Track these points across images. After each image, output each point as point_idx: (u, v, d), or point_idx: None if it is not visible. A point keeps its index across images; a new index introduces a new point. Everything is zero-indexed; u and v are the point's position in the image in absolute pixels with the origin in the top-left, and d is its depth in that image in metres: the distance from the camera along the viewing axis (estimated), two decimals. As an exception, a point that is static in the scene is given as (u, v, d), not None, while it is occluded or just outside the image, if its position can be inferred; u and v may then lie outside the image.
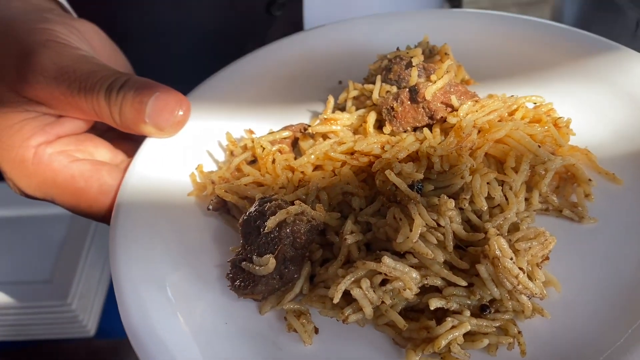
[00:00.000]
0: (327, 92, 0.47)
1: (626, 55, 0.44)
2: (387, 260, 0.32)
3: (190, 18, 0.68)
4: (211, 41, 0.69)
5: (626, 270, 0.35)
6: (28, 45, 0.42)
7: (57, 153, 0.43)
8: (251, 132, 0.46)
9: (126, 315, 0.35)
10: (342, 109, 0.46)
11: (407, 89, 0.40)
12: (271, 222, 0.35)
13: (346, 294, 0.34)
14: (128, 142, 0.47)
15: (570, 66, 0.46)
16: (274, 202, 0.36)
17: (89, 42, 0.46)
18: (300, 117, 0.48)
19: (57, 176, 0.43)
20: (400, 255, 0.34)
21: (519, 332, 0.33)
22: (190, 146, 0.45)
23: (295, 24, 0.64)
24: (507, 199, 0.37)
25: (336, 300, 0.33)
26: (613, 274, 0.35)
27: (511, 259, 0.32)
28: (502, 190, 0.37)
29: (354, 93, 0.45)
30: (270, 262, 0.34)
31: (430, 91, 0.39)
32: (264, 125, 0.46)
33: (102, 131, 0.47)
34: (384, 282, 0.33)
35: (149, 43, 0.70)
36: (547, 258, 0.35)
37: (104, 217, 0.43)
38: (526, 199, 0.38)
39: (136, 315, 0.34)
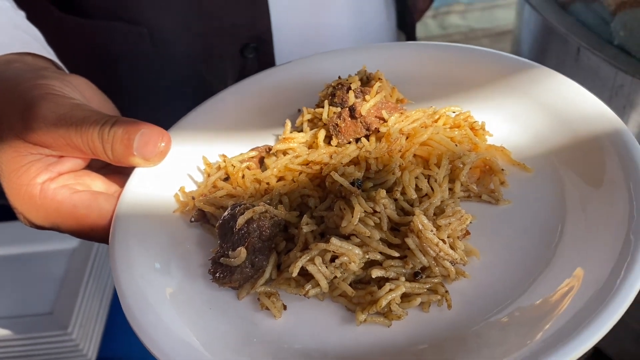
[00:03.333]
0: (289, 119, 0.55)
1: (542, 72, 0.53)
2: (335, 240, 0.40)
3: (170, 63, 0.76)
4: (190, 83, 0.77)
5: (532, 239, 0.43)
6: (30, 99, 0.49)
7: (60, 187, 0.50)
8: (224, 156, 0.54)
9: (125, 305, 0.42)
10: (300, 130, 0.54)
11: (347, 108, 0.49)
12: (241, 220, 0.43)
13: (306, 275, 0.42)
14: (119, 176, 0.54)
15: (495, 83, 0.54)
16: (243, 205, 0.44)
17: (82, 92, 0.53)
18: (266, 140, 0.56)
19: (61, 206, 0.49)
20: (346, 238, 0.42)
21: (446, 292, 0.41)
22: (173, 172, 0.53)
23: (267, 65, 0.70)
24: (433, 189, 0.45)
25: (294, 274, 0.41)
26: (522, 242, 0.43)
27: (432, 231, 0.40)
28: (428, 182, 0.45)
29: (307, 117, 0.54)
30: (242, 253, 0.42)
31: (365, 108, 0.48)
32: (235, 149, 0.54)
33: (97, 168, 0.54)
34: (333, 260, 0.41)
35: (133, 90, 0.78)
36: (468, 233, 0.44)
37: (104, 237, 0.50)
38: (450, 189, 0.46)
39: (132, 302, 0.42)
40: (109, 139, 0.48)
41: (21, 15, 0.61)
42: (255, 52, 0.73)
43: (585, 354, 0.34)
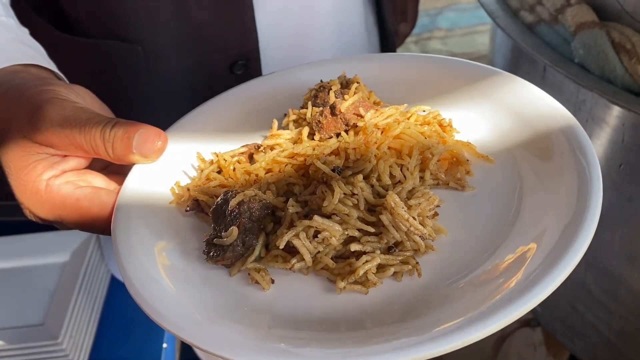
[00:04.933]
0: (277, 121, 0.60)
1: (504, 77, 0.59)
2: (317, 217, 0.45)
3: (163, 78, 0.81)
4: (181, 98, 0.82)
5: (493, 219, 0.48)
6: (38, 102, 0.53)
7: (64, 183, 0.54)
8: (217, 154, 0.59)
9: (129, 283, 0.46)
10: (287, 129, 0.60)
11: (329, 107, 0.54)
12: (233, 202, 0.47)
13: (292, 252, 0.47)
14: (118, 176, 0.58)
15: (462, 88, 0.60)
16: (234, 191, 0.49)
17: (84, 99, 0.57)
18: (254, 140, 0.61)
19: (65, 200, 0.53)
20: (327, 217, 0.47)
21: (417, 263, 0.45)
22: (169, 168, 0.57)
23: None
24: (405, 177, 0.51)
25: (281, 246, 0.45)
26: (485, 222, 0.48)
27: (403, 208, 0.45)
28: (401, 171, 0.51)
29: (293, 117, 0.59)
30: (234, 231, 0.47)
31: (344, 106, 0.53)
32: (227, 148, 0.59)
33: (98, 170, 0.58)
34: (316, 235, 0.46)
35: (127, 103, 0.83)
36: (437, 214, 0.49)
37: (105, 228, 0.53)
38: (421, 177, 0.52)
39: (134, 280, 0.46)
40: (110, 138, 0.52)
41: (25, 31, 0.66)
42: (244, 68, 0.79)
43: None
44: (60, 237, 1.13)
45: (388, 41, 0.96)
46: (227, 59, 0.78)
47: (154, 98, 0.83)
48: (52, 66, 0.62)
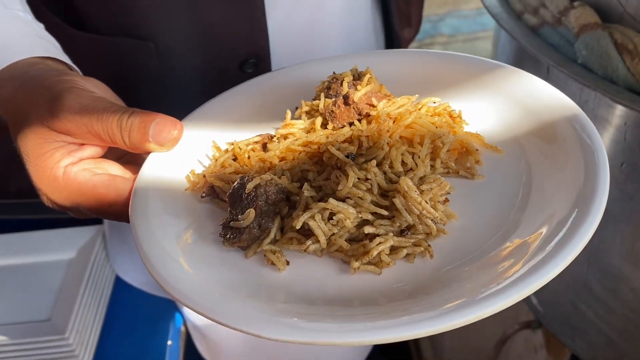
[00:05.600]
0: (290, 112, 0.62)
1: (510, 71, 0.61)
2: (332, 200, 0.47)
3: (174, 75, 0.83)
4: (192, 95, 0.83)
5: (502, 206, 0.50)
6: (56, 91, 0.54)
7: (81, 170, 0.55)
8: (232, 142, 0.60)
9: (149, 264, 0.47)
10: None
11: (342, 97, 0.56)
12: (250, 185, 0.49)
13: (307, 235, 0.48)
14: (133, 166, 0.59)
15: (470, 82, 0.62)
16: (250, 176, 0.50)
17: (99, 89, 0.59)
18: (268, 131, 0.63)
19: (82, 187, 0.54)
20: (342, 201, 0.48)
21: (429, 245, 0.47)
22: (184, 156, 0.59)
23: None
24: (416, 164, 0.52)
25: (297, 227, 0.46)
26: (493, 208, 0.50)
27: (416, 192, 0.47)
28: (412, 158, 0.52)
29: (306, 108, 0.61)
30: (251, 213, 0.48)
31: (357, 95, 0.55)
32: (241, 138, 0.61)
33: (113, 159, 0.59)
34: (331, 218, 0.47)
35: (139, 98, 0.84)
36: (447, 200, 0.50)
37: (121, 214, 0.55)
38: (432, 166, 0.53)
39: (154, 260, 0.47)
40: (126, 127, 0.53)
41: (41, 26, 0.68)
42: (254, 67, 0.80)
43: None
44: (66, 235, 1.14)
45: (394, 46, 0.98)
46: (237, 57, 0.80)
47: (165, 95, 0.84)
48: (67, 60, 0.63)
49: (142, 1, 0.75)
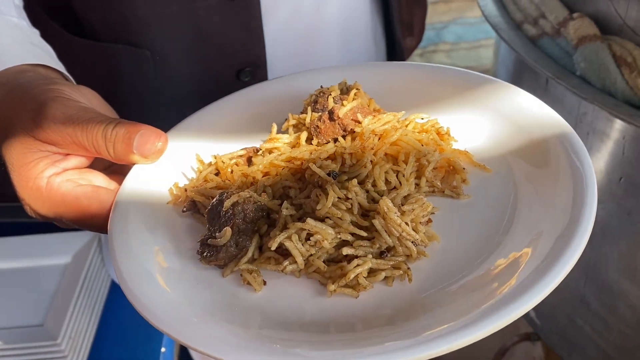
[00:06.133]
0: (275, 125, 0.61)
1: (501, 86, 0.60)
2: (310, 220, 0.46)
3: (170, 83, 0.82)
4: (188, 103, 0.82)
5: (488, 226, 0.49)
6: (42, 100, 0.54)
7: (65, 181, 0.54)
8: (216, 156, 0.59)
9: (122, 280, 0.46)
10: (286, 133, 0.60)
11: (327, 112, 0.55)
12: (227, 203, 0.48)
13: (285, 255, 0.47)
14: (119, 176, 0.58)
15: (460, 96, 0.61)
16: (230, 192, 0.50)
17: (88, 99, 0.58)
18: (254, 144, 0.62)
19: (65, 197, 0.54)
20: (321, 221, 0.47)
21: (408, 268, 0.46)
22: (168, 169, 0.58)
23: None
24: (400, 183, 0.51)
25: (273, 248, 0.45)
26: (477, 229, 0.49)
27: (396, 213, 0.45)
28: (397, 177, 0.51)
29: (292, 122, 0.60)
30: (227, 232, 0.47)
31: (342, 111, 0.54)
32: (226, 151, 0.60)
33: (100, 169, 0.59)
34: (309, 238, 0.46)
35: (134, 106, 0.84)
36: (430, 220, 0.49)
37: (103, 226, 0.54)
38: (417, 184, 0.52)
39: (128, 277, 0.46)
40: (111, 138, 0.53)
41: (36, 33, 0.67)
42: (250, 75, 0.80)
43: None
44: (62, 239, 1.14)
45: (396, 54, 0.96)
46: (234, 65, 0.79)
47: (161, 102, 0.84)
48: (60, 67, 0.63)
49: (140, 9, 0.75)
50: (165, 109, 0.84)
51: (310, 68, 0.73)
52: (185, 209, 0.54)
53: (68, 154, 0.55)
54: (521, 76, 1.02)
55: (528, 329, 1.26)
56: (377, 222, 0.46)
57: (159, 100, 0.84)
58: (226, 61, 0.79)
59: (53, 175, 0.54)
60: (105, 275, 1.15)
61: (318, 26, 0.85)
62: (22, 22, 0.66)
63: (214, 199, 0.50)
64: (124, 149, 0.53)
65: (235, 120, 0.64)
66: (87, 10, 0.77)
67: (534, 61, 0.90)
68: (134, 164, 0.56)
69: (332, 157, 0.52)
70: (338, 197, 0.47)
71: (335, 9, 0.85)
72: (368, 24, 0.91)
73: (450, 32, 2.26)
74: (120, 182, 0.57)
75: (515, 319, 0.39)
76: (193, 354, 1.21)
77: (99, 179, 0.58)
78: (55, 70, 0.62)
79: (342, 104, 0.55)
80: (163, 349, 1.09)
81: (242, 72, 0.79)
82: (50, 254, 1.13)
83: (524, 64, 0.96)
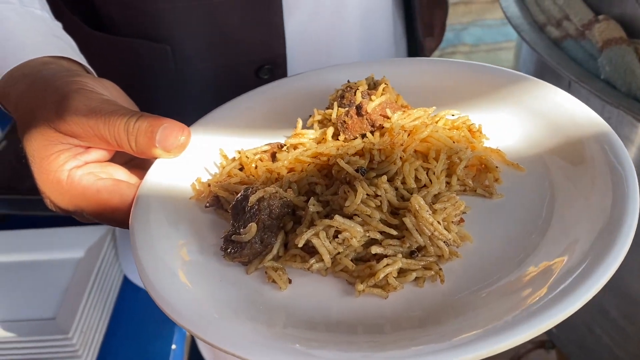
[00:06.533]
0: (301, 121, 0.60)
1: (533, 83, 0.58)
2: (338, 217, 0.44)
3: (190, 79, 0.81)
4: (207, 99, 0.82)
5: (522, 228, 0.47)
6: (64, 92, 0.53)
7: (86, 174, 0.53)
8: (240, 151, 0.58)
9: (144, 276, 0.45)
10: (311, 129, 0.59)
11: (355, 106, 0.53)
12: (253, 198, 0.47)
13: (311, 253, 0.46)
14: (140, 170, 0.57)
15: (491, 93, 0.59)
16: (255, 187, 0.48)
17: (110, 92, 0.57)
18: (278, 140, 0.61)
19: (86, 191, 0.53)
20: (349, 218, 0.46)
21: (440, 269, 0.44)
22: (190, 163, 0.57)
23: None
24: (431, 181, 0.49)
25: (300, 245, 0.44)
26: (511, 230, 0.47)
27: (428, 212, 0.44)
28: (427, 174, 0.50)
29: (318, 117, 0.58)
30: (253, 228, 0.46)
31: (370, 106, 0.52)
32: (249, 146, 0.59)
33: (121, 163, 0.58)
34: (336, 236, 0.45)
35: (154, 101, 0.83)
36: (463, 220, 0.48)
37: (124, 221, 0.53)
38: (448, 183, 0.50)
39: (150, 273, 0.45)
40: (133, 131, 0.52)
41: (59, 25, 0.67)
42: (270, 73, 0.79)
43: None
44: (76, 234, 1.13)
45: (416, 54, 0.95)
46: (253, 63, 0.79)
47: (180, 98, 0.83)
48: (82, 60, 0.62)
49: (160, 4, 0.74)
50: (183, 104, 0.83)
51: (330, 65, 0.72)
52: (208, 205, 0.53)
53: (89, 147, 0.54)
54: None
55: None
56: (408, 221, 0.44)
57: (177, 96, 0.83)
58: (245, 58, 0.79)
59: (74, 168, 0.54)
60: (118, 270, 1.15)
61: (339, 25, 0.84)
62: (45, 14, 0.65)
63: (239, 194, 0.49)
64: (146, 143, 0.52)
65: (258, 116, 0.63)
66: (107, 5, 0.77)
67: (556, 63, 0.88)
68: (156, 158, 0.55)
69: (360, 153, 0.51)
70: (367, 194, 0.46)
71: (356, 9, 0.84)
72: (389, 23, 0.90)
73: (469, 33, 2.23)
74: (141, 177, 0.56)
75: (547, 328, 0.37)
76: (203, 351, 1.20)
77: (120, 173, 0.57)
78: (77, 63, 0.61)
79: (370, 99, 0.54)
80: (174, 346, 1.08)
81: (262, 69, 0.78)
82: (64, 248, 1.13)
83: (545, 67, 0.94)
